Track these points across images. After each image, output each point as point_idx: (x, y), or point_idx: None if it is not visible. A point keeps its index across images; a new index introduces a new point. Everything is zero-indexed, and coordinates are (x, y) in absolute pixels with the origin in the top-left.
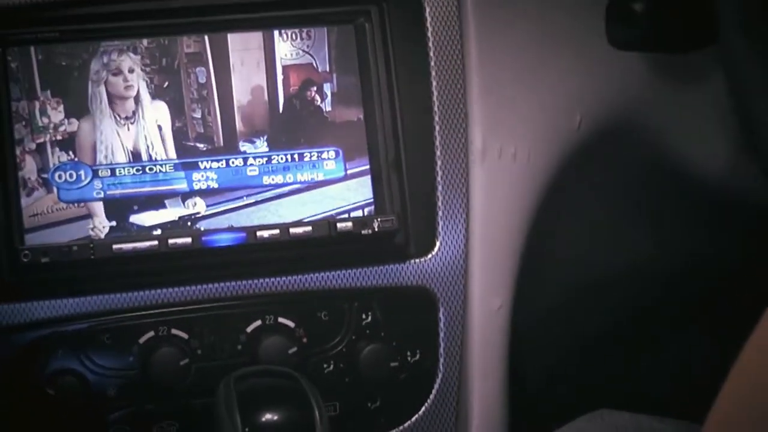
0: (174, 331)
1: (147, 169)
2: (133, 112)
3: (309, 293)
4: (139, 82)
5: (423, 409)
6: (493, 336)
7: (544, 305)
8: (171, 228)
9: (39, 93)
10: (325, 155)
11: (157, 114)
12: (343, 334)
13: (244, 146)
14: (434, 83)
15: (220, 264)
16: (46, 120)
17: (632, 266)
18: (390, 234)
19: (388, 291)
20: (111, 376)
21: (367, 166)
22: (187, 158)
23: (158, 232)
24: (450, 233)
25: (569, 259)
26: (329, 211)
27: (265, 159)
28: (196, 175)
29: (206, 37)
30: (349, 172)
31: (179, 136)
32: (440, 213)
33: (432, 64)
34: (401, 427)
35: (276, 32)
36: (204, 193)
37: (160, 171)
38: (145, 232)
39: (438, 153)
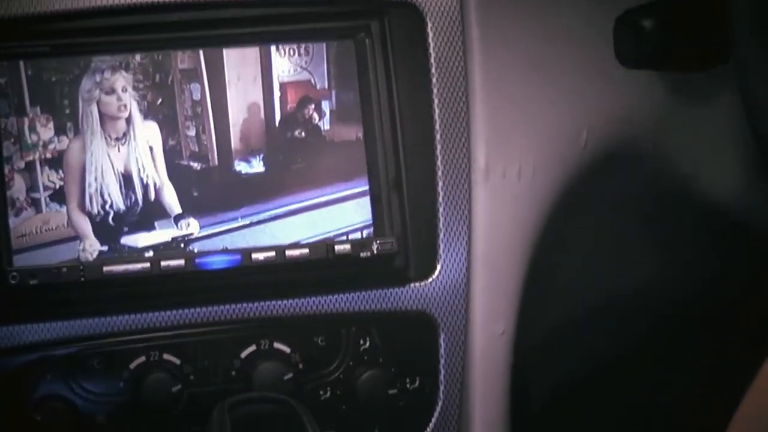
0: (166, 356)
1: (138, 190)
2: (124, 133)
3: (305, 318)
4: (131, 101)
5: None
6: (495, 362)
7: (548, 329)
8: (163, 250)
9: (28, 109)
10: (323, 176)
11: (149, 134)
12: (341, 360)
13: (240, 165)
14: (436, 101)
15: (213, 287)
16: (35, 137)
17: (638, 289)
18: (389, 257)
19: (387, 315)
20: (100, 402)
21: (367, 187)
22: (181, 178)
23: (150, 254)
24: (451, 256)
25: (574, 281)
26: (327, 232)
27: (261, 179)
28: (189, 196)
29: (201, 52)
30: (348, 192)
31: (172, 155)
32: (441, 235)
33: (434, 81)
34: None
35: (273, 48)
36: (198, 214)
37: (152, 192)
38: (136, 254)
39: (440, 173)
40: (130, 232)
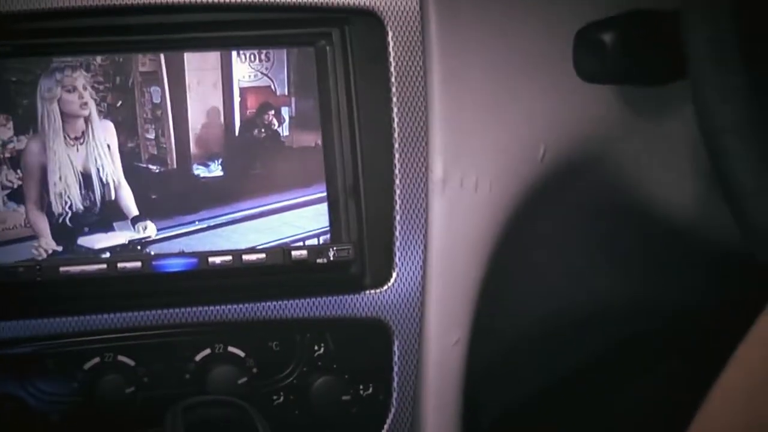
0: (120, 358)
1: (97, 191)
2: (83, 132)
3: (260, 322)
4: (90, 101)
5: None
6: (448, 371)
7: (503, 340)
8: (120, 251)
9: None
10: (281, 181)
11: (107, 134)
12: (295, 366)
13: (198, 169)
14: (395, 109)
15: (170, 290)
16: None
17: (594, 302)
18: (346, 263)
19: (341, 322)
20: (54, 402)
21: (324, 193)
22: (139, 180)
23: (107, 255)
24: (407, 264)
25: (530, 293)
26: (284, 238)
27: (220, 183)
28: (147, 198)
29: (162, 56)
30: (306, 198)
31: (131, 157)
32: (398, 243)
33: (393, 89)
34: None
35: (234, 53)
36: (155, 217)
37: (110, 193)
38: (93, 255)
39: (397, 181)
40: (87, 233)
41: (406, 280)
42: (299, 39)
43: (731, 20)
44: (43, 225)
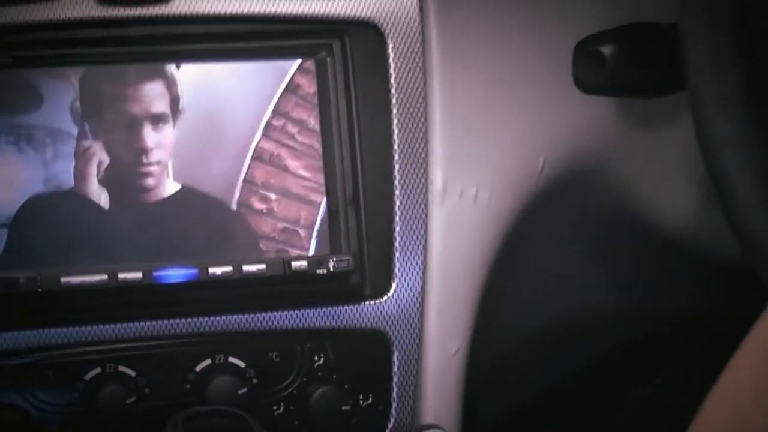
0: (121, 368)
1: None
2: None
3: (260, 333)
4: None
5: None
6: (448, 381)
7: (502, 350)
8: (121, 262)
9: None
10: None
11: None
12: (295, 376)
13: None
14: (395, 120)
15: (170, 300)
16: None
17: (593, 311)
18: (345, 274)
19: (341, 332)
20: (55, 413)
21: (324, 204)
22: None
23: (108, 266)
24: (407, 275)
25: (529, 303)
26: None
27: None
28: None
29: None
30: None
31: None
32: (397, 254)
33: (393, 101)
34: None
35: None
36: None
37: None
38: (94, 266)
39: (397, 192)
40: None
41: (405, 290)
42: (300, 50)
43: (729, 32)
44: None
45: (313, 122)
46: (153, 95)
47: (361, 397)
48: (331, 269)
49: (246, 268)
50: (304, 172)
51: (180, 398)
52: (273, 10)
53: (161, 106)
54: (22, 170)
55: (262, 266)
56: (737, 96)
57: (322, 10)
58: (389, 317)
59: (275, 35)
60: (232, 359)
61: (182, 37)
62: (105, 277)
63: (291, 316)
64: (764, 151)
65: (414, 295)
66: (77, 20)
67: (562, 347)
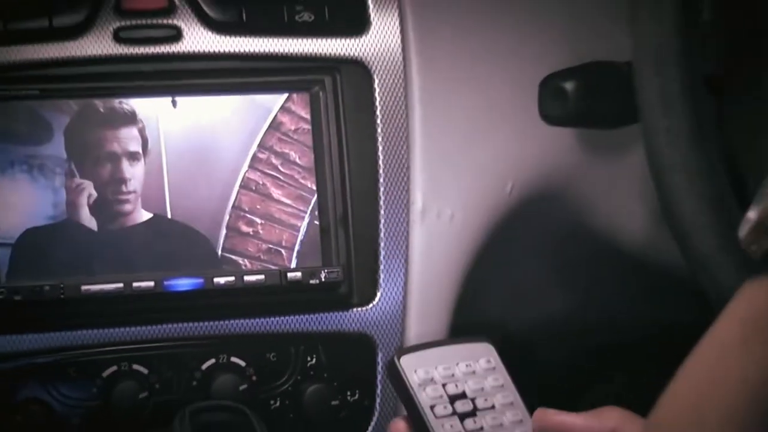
0: (135, 367)
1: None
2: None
3: (259, 336)
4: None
5: None
6: None
7: None
8: (135, 273)
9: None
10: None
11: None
12: (290, 374)
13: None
14: (380, 148)
15: (179, 306)
16: None
17: (559, 323)
18: (335, 284)
19: (332, 336)
20: (75, 406)
21: (317, 222)
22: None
23: (123, 275)
24: (390, 285)
25: (500, 313)
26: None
27: None
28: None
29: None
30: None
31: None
32: (382, 266)
33: (379, 130)
34: None
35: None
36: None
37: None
38: (111, 275)
39: (382, 212)
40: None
41: (389, 299)
42: (296, 85)
43: (677, 72)
44: None
45: (294, 155)
46: (131, 136)
47: (349, 393)
48: (323, 279)
49: (247, 278)
50: (286, 200)
51: (187, 393)
52: (273, 50)
53: (135, 145)
54: (35, 196)
55: (261, 277)
56: (683, 129)
57: (316, 50)
58: (374, 322)
59: (274, 71)
60: (234, 359)
61: (181, 72)
62: (121, 285)
63: (287, 321)
64: (708, 179)
65: (396, 303)
66: (98, 57)
67: (527, 351)
